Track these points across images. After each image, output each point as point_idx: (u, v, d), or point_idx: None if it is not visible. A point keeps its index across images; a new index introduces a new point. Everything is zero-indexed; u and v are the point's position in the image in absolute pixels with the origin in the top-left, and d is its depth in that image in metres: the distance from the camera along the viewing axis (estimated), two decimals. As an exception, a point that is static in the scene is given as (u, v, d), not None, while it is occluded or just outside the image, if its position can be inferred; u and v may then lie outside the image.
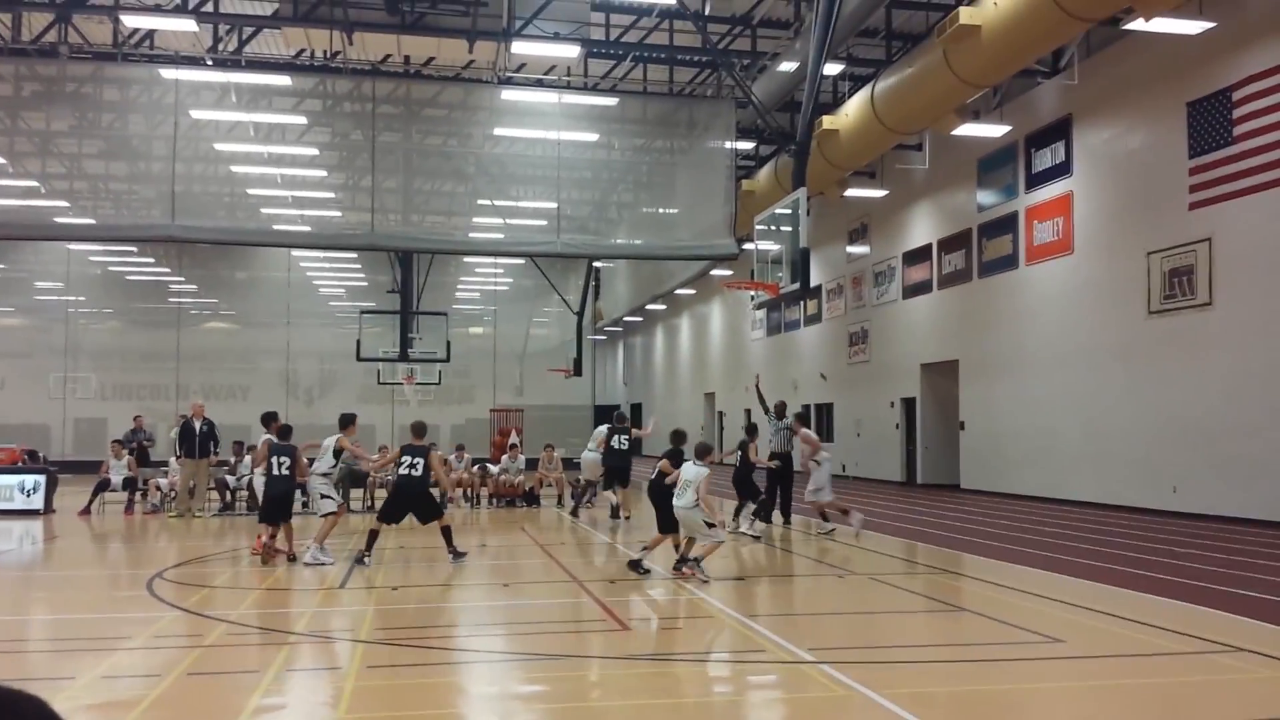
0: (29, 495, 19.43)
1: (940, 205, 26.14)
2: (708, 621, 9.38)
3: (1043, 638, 8.06)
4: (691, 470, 11.17)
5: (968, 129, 21.38)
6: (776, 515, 17.23)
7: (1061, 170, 21.38)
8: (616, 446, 17.70)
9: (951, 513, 19.44)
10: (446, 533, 12.71)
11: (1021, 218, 22.65)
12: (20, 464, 20.35)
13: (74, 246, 33.97)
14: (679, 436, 12.54)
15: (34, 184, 27.29)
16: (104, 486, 19.73)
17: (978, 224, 24.30)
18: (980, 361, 24.22)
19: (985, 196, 24.06)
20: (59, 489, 20.27)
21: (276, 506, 12.77)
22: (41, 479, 19.66)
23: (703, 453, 11.45)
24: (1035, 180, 22.25)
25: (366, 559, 12.28)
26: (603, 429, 18.59)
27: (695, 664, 7.82)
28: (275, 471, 12.81)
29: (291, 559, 12.58)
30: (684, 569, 11.17)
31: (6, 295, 36.71)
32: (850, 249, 31.13)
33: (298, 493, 14.72)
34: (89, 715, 6.10)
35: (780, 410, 17.67)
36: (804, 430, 16.92)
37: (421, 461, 12.49)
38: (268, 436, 13.80)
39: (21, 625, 9.68)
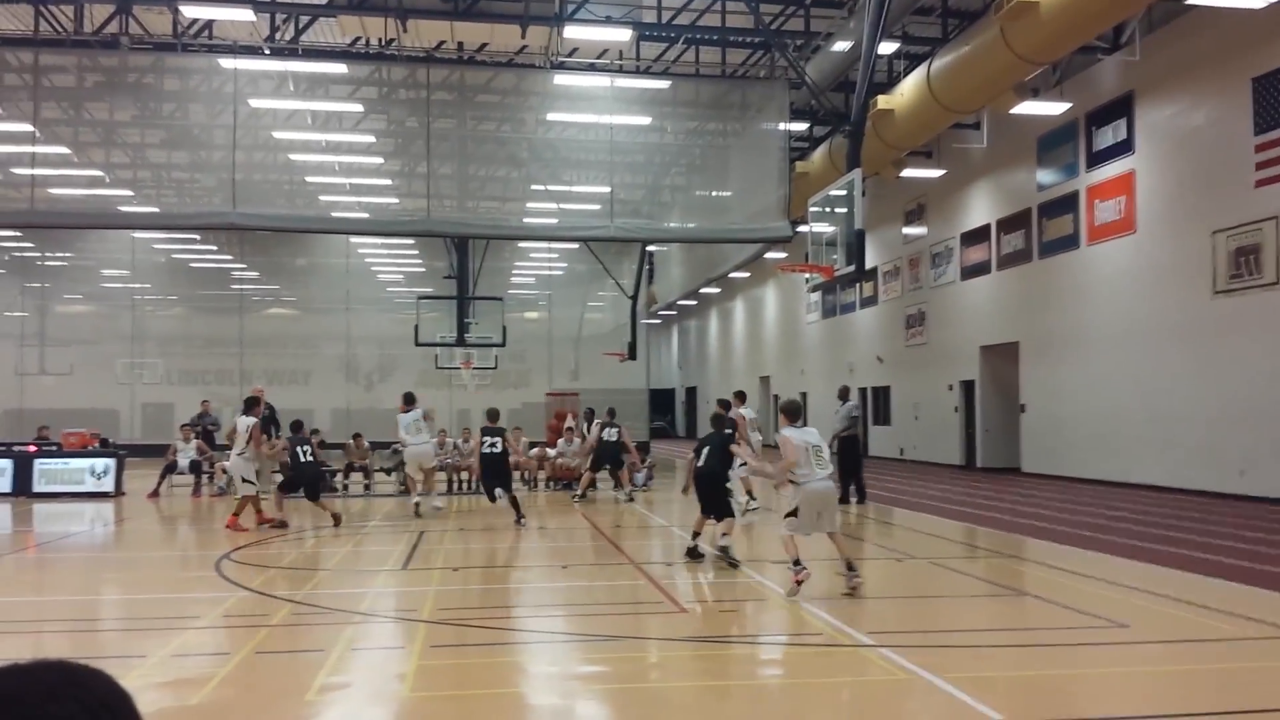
0: (100, 478, 19.94)
1: (999, 185, 25.75)
2: (765, 605, 9.39)
3: (1107, 622, 7.97)
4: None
5: (1027, 107, 21.00)
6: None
7: (1123, 148, 20.95)
8: (608, 439, 19.06)
9: (1012, 497, 19.23)
10: (515, 502, 14.94)
11: (1083, 197, 22.24)
12: (91, 448, 20.86)
13: (138, 235, 34.64)
14: (719, 420, 12.23)
15: (99, 173, 27.90)
16: (171, 469, 20.22)
17: (1037, 203, 23.90)
18: (1041, 343, 23.86)
19: (1045, 175, 23.66)
20: (128, 472, 20.77)
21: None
22: (112, 462, 20.16)
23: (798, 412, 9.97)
24: (1096, 158, 21.83)
25: (523, 520, 14.69)
26: (595, 422, 20.07)
27: (753, 647, 7.85)
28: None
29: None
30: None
31: (74, 284, 37.57)
32: (906, 230, 30.79)
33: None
34: (160, 693, 6.26)
35: (844, 394, 18.19)
36: (741, 411, 16.89)
37: (500, 440, 14.96)
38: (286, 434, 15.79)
39: (94, 605, 9.97)
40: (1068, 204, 22.75)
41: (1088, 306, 22.05)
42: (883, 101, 21.33)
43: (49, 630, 8.57)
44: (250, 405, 15.22)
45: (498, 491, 15.21)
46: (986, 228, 26.21)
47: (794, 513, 9.24)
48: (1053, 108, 22.12)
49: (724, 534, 11.12)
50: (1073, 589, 9.54)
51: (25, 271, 36.90)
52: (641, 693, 6.45)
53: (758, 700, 6.36)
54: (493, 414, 15.76)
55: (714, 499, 11.35)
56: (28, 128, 22.46)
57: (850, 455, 17.40)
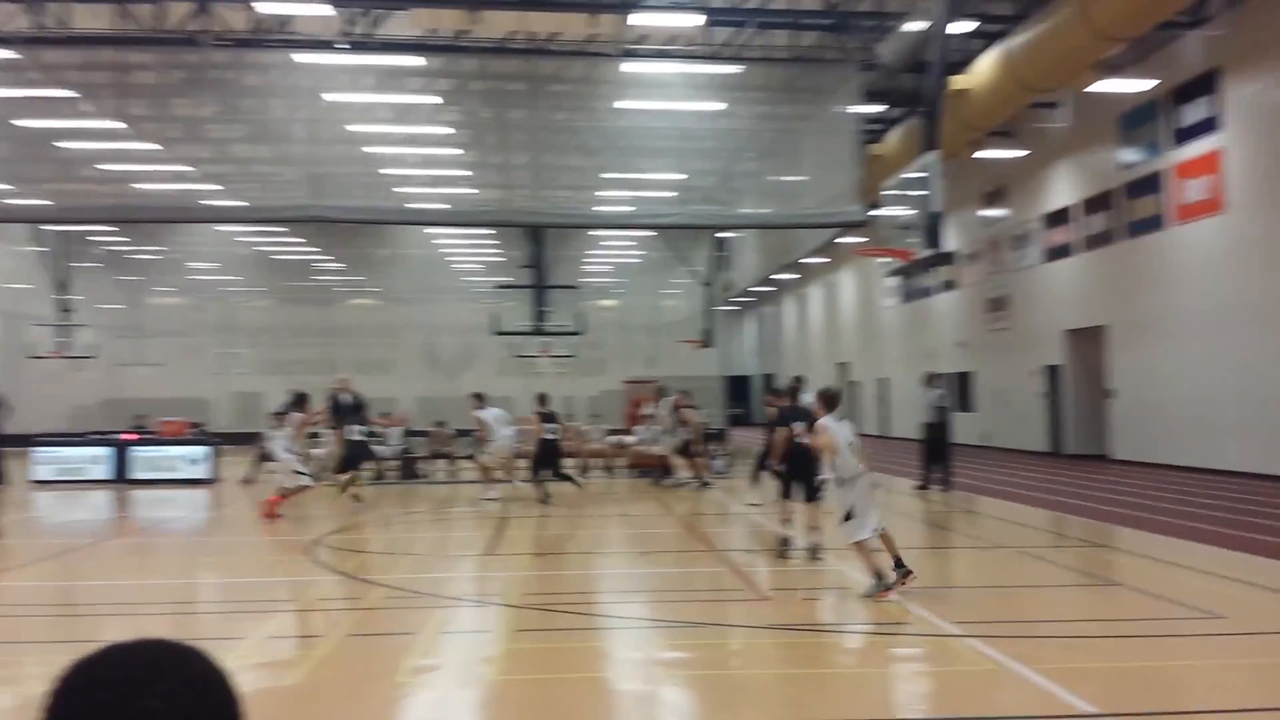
0: (195, 465, 20.58)
1: (1081, 164, 25.16)
2: (847, 594, 9.35)
3: (1202, 613, 7.80)
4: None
5: (1108, 84, 20.48)
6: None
7: (1210, 125, 20.31)
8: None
9: (1101, 484, 18.84)
10: (566, 476, 16.18)
11: (1168, 176, 21.63)
12: (186, 436, 21.54)
13: (224, 228, 35.52)
14: (794, 394, 11.41)
15: (185, 168, 28.66)
16: (264, 457, 20.77)
17: (1122, 183, 23.31)
18: (1129, 327, 23.29)
19: (1128, 154, 23.05)
20: (221, 459, 21.38)
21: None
22: (207, 450, 20.78)
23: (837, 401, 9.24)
24: (1182, 136, 21.19)
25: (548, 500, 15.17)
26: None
27: (836, 635, 7.83)
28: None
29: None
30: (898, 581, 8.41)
31: (165, 276, 38.66)
32: (986, 213, 30.24)
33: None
34: (257, 674, 6.46)
35: (931, 380, 18.12)
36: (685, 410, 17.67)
37: (558, 426, 15.81)
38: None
39: (194, 589, 10.31)
40: (1152, 184, 22.14)
41: (1177, 288, 21.47)
42: (959, 81, 20.93)
43: (151, 613, 8.89)
44: (299, 401, 15.54)
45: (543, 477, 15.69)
46: (1069, 209, 25.63)
47: (849, 515, 8.52)
48: (1135, 85, 21.55)
49: (813, 527, 10.39)
50: (1165, 578, 9.35)
51: (118, 265, 38.08)
52: (724, 679, 6.49)
53: (840, 689, 6.36)
54: (545, 399, 16.11)
55: (806, 476, 10.46)
56: (115, 125, 23.16)
57: (938, 443, 17.26)
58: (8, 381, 25.51)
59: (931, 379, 18.14)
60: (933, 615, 7.82)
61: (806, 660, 6.97)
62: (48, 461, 20.72)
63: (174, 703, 1.20)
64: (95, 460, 20.79)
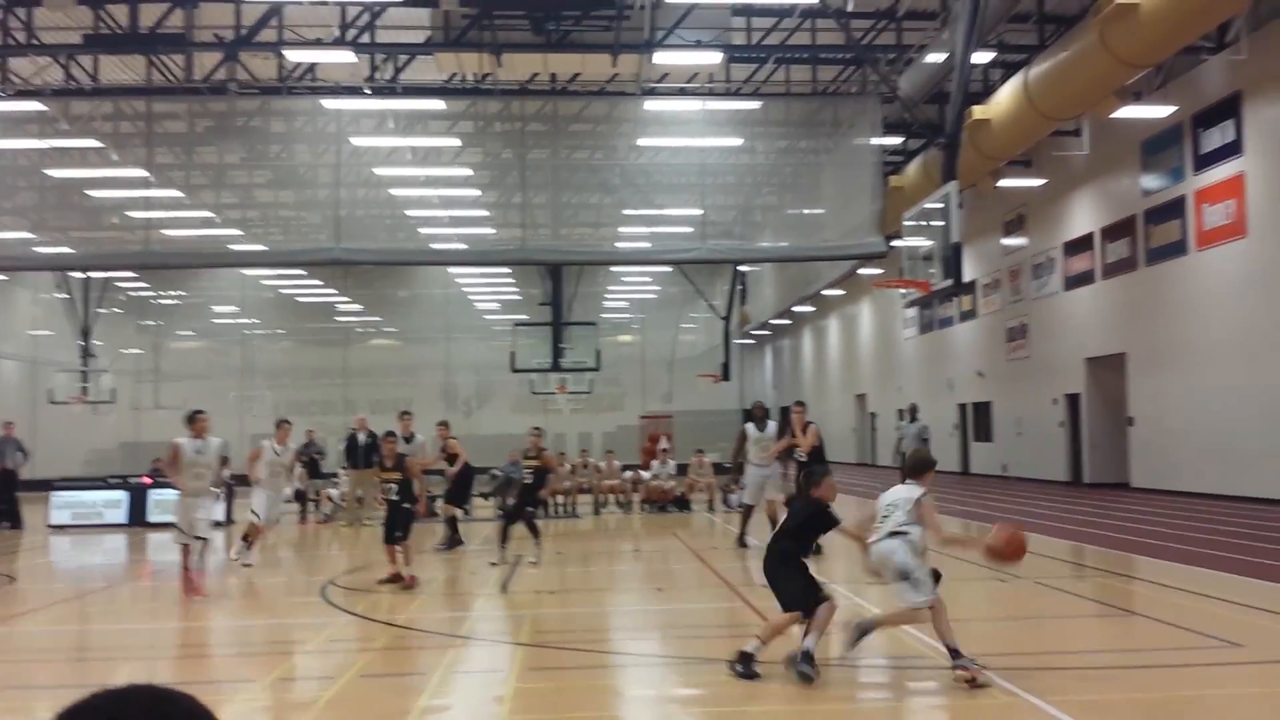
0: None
1: (1102, 191, 25.06)
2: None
3: (1220, 642, 7.65)
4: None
5: (1129, 111, 20.44)
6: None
7: (1232, 150, 20.21)
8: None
9: (1121, 512, 18.60)
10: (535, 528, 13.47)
11: (1190, 201, 21.51)
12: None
13: (247, 272, 35.91)
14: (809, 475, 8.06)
15: (209, 214, 29.06)
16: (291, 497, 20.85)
17: (1143, 209, 23.18)
18: (1150, 354, 23.08)
19: (1150, 180, 22.95)
20: (237, 501, 21.45)
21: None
22: (221, 492, 20.84)
23: (920, 468, 7.50)
24: (1204, 161, 21.09)
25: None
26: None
27: (852, 669, 7.72)
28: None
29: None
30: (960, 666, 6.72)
31: (187, 321, 39.09)
32: (1006, 241, 30.15)
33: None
34: (267, 716, 6.45)
35: (913, 413, 18.55)
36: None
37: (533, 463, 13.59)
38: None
39: (205, 631, 10.31)
40: (1174, 209, 22.01)
41: (1198, 315, 21.27)
42: (978, 112, 20.96)
43: (162, 656, 8.89)
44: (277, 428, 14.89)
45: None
46: (1090, 236, 25.50)
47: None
48: (1156, 111, 21.49)
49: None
50: (1185, 607, 9.19)
51: (141, 310, 38.54)
52: (739, 716, 6.42)
53: (855, 724, 6.27)
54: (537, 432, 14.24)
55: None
56: (142, 173, 23.54)
57: None
58: (28, 427, 25.78)
59: (914, 412, 18.49)
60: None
61: (821, 695, 6.87)
62: (65, 505, 20.81)
63: None
64: (112, 504, 20.88)
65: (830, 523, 7.50)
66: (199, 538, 11.52)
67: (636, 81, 22.75)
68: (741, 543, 14.42)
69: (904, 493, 7.30)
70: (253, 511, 13.76)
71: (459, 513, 15.85)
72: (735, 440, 15.08)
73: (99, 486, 21.79)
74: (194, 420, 11.98)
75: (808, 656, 6.88)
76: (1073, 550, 13.84)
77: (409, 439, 16.43)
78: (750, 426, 14.64)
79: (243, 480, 15.06)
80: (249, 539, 13.54)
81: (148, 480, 21.68)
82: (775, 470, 14.44)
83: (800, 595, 7.22)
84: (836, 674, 7.46)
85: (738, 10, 20.86)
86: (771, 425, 14.65)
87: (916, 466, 7.51)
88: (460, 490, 16.10)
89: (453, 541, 15.08)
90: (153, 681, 1.32)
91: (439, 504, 17.26)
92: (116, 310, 37.79)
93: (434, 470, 16.04)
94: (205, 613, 11.25)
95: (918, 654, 7.74)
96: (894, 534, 7.00)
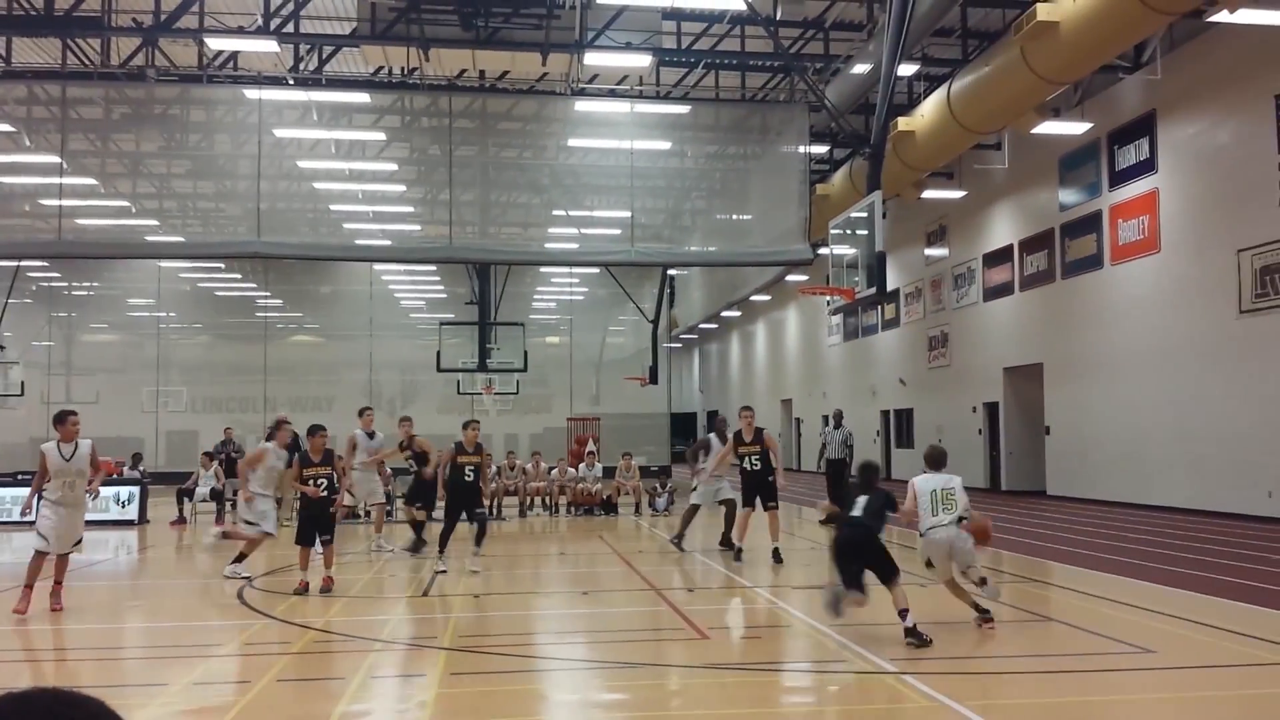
0: (124, 506, 20.07)
1: (1021, 205, 25.68)
2: (787, 631, 9.33)
3: (1133, 648, 7.86)
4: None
5: (1048, 127, 20.97)
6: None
7: (1146, 167, 20.86)
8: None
9: (1037, 519, 19.04)
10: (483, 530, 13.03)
11: (1105, 216, 22.14)
12: (117, 476, 21.00)
13: (164, 264, 34.98)
14: (869, 469, 9.18)
15: (125, 204, 28.25)
16: (186, 494, 20.37)
17: (1060, 223, 23.80)
18: (1065, 364, 23.70)
19: (1067, 195, 23.57)
20: (151, 500, 20.90)
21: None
22: (136, 490, 20.30)
23: (945, 459, 9.22)
24: (1119, 178, 21.74)
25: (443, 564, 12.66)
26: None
27: (775, 673, 7.78)
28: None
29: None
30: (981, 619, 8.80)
31: (100, 313, 37.92)
32: (928, 251, 30.72)
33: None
34: (183, 720, 6.27)
35: (838, 419, 19.56)
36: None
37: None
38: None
39: (117, 633, 10.01)
40: (1090, 224, 22.64)
41: (1112, 327, 21.90)
42: (903, 123, 21.34)
43: (73, 659, 8.61)
44: (271, 431, 14.55)
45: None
46: (1009, 248, 26.11)
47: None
48: (1074, 127, 22.09)
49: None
50: (1098, 613, 9.43)
51: (52, 301, 37.29)
52: (661, 721, 6.41)
53: (778, 728, 6.31)
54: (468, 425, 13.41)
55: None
56: (55, 159, 22.81)
57: (843, 479, 17.45)
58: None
59: (839, 418, 19.35)
60: (866, 652, 7.81)
61: (744, 699, 6.90)
62: (-28, 502, 20.06)
63: None
64: (21, 501, 20.16)
65: (894, 507, 8.72)
66: (65, 554, 10.26)
67: (566, 81, 22.70)
68: (678, 544, 14.51)
69: (953, 480, 8.75)
70: (246, 522, 12.60)
71: (421, 515, 15.25)
72: (698, 445, 16.13)
73: (7, 483, 21.03)
74: (63, 421, 10.38)
75: (912, 630, 7.96)
76: (990, 556, 14.10)
77: (371, 435, 16.06)
78: (713, 438, 15.15)
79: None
80: (245, 553, 12.56)
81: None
82: (726, 479, 14.74)
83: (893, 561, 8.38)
84: (758, 678, 7.50)
85: (668, 14, 20.93)
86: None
87: (943, 458, 9.08)
88: (424, 491, 15.21)
89: (417, 545, 14.79)
90: (57, 686, 1.27)
91: (398, 505, 16.94)
92: (27, 301, 36.50)
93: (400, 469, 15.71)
94: (119, 614, 10.93)
95: (839, 658, 7.82)
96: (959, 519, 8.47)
